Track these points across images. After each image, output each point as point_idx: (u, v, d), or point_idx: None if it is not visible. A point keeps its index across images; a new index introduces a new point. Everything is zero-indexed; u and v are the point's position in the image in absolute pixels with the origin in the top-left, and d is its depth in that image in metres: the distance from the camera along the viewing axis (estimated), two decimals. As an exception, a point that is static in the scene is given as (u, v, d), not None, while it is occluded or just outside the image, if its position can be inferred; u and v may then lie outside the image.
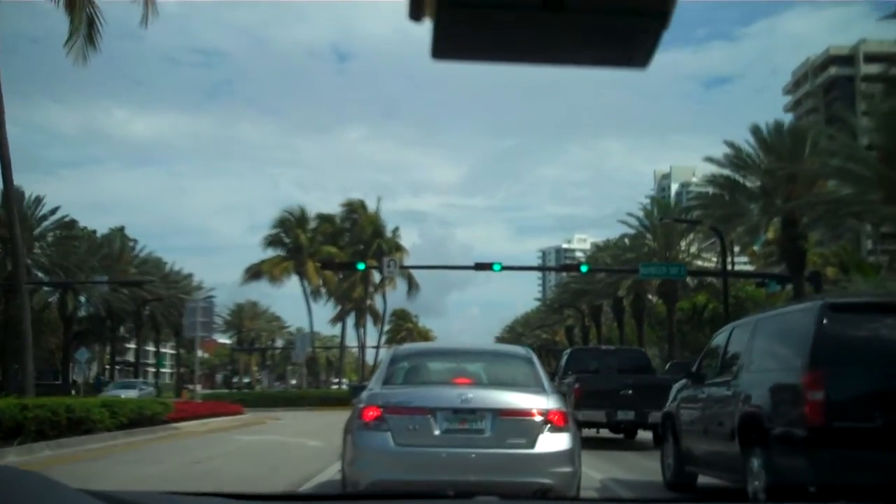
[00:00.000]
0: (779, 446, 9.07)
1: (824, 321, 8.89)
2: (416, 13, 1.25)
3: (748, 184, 40.77)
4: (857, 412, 8.68)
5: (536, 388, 9.18)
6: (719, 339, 12.13)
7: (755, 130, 40.34)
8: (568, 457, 8.52)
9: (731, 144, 40.45)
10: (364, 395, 9.21)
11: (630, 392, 19.30)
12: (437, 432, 8.51)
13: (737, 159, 40.15)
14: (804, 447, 8.63)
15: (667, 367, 19.32)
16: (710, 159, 41.17)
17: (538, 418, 8.58)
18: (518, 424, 8.59)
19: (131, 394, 38.74)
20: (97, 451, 16.78)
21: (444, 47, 1.27)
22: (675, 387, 13.14)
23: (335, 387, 75.01)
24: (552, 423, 8.58)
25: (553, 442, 8.52)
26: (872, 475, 8.33)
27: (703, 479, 11.92)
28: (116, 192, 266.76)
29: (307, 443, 19.53)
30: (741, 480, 9.76)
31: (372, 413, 8.63)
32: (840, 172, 33.29)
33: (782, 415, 9.18)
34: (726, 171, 41.03)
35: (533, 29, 1.26)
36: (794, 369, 9.03)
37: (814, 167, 36.13)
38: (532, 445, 8.48)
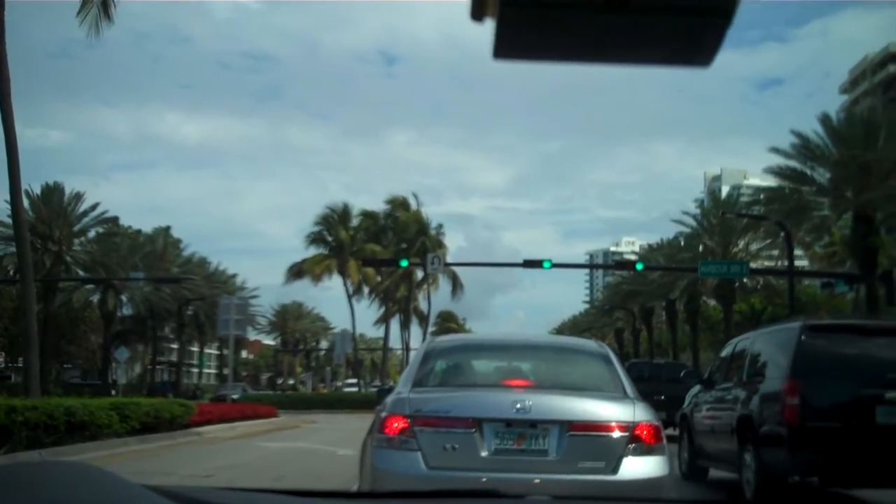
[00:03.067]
0: (765, 442, 10.67)
1: (802, 338, 10.59)
2: (477, 13, 1.25)
3: (817, 176, 38.14)
4: (828, 415, 10.22)
5: (616, 393, 6.90)
6: (727, 350, 13.93)
7: (824, 119, 37.76)
8: (661, 487, 6.26)
9: (798, 134, 37.82)
10: (388, 400, 6.87)
11: (662, 398, 21.03)
12: (484, 452, 6.25)
13: (805, 149, 37.50)
14: (783, 443, 10.24)
15: (682, 374, 21.80)
16: (775, 150, 38.54)
17: (621, 434, 6.31)
18: (594, 442, 6.33)
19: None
20: (98, 460, 14.63)
21: (505, 47, 1.26)
22: (691, 392, 14.65)
23: (352, 389, 71.86)
24: (640, 440, 6.31)
25: (642, 466, 6.27)
26: (839, 466, 10.12)
27: (713, 473, 13.23)
28: (169, 195, 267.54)
29: (337, 452, 17.48)
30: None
31: (397, 425, 6.35)
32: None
33: (768, 416, 10.75)
34: (793, 163, 38.39)
35: (595, 28, 1.26)
36: (778, 378, 10.74)
37: (891, 156, 33.43)
38: (614, 470, 6.23)
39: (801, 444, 10.05)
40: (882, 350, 10.70)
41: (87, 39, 23.55)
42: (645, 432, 6.34)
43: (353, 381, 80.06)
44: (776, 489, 10.55)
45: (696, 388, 14.33)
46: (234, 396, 36.74)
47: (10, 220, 26.26)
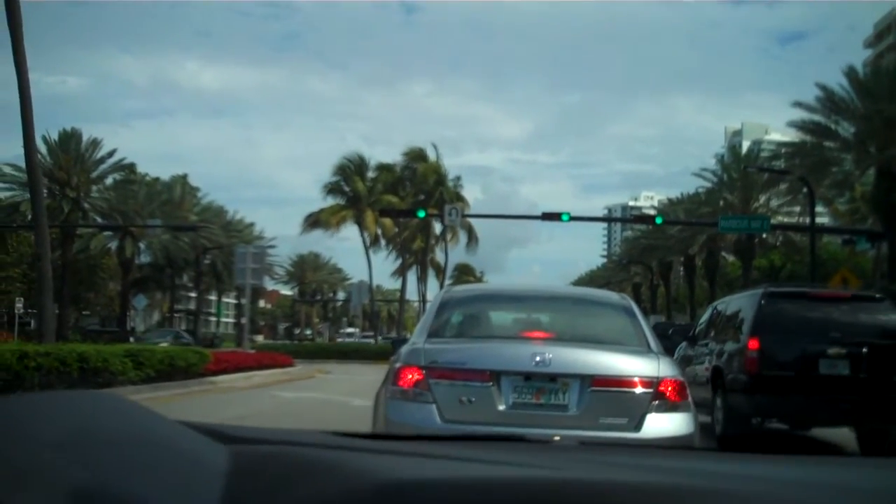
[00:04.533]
0: (731, 389, 12.76)
1: (762, 302, 12.72)
2: None
3: (840, 131, 37.57)
4: (781, 366, 12.30)
5: (640, 347, 6.62)
6: (708, 312, 16.24)
7: (850, 72, 37.09)
8: (687, 445, 5.92)
9: (822, 87, 37.19)
10: (402, 350, 6.63)
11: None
12: (501, 406, 6.00)
13: (829, 103, 36.88)
14: (745, 388, 12.39)
15: (670, 332, 22.81)
16: (799, 104, 37.94)
17: (645, 390, 6.02)
18: (616, 397, 6.06)
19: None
20: (110, 407, 14.61)
21: None
22: (679, 347, 16.28)
23: (349, 339, 72.21)
24: (664, 396, 6.03)
25: (666, 423, 6.00)
26: (789, 408, 12.33)
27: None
28: (187, 143, 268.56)
29: (351, 402, 17.35)
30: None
31: (411, 376, 6.11)
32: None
33: (733, 367, 12.86)
34: (817, 117, 37.79)
35: None
36: (742, 335, 12.83)
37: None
38: (637, 427, 5.96)
39: (758, 389, 12.22)
40: (826, 313, 12.79)
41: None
42: (669, 388, 6.08)
43: (351, 330, 78.83)
44: (740, 429, 12.53)
45: (683, 343, 16.35)
46: (164, 344, 35.95)
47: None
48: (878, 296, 13.93)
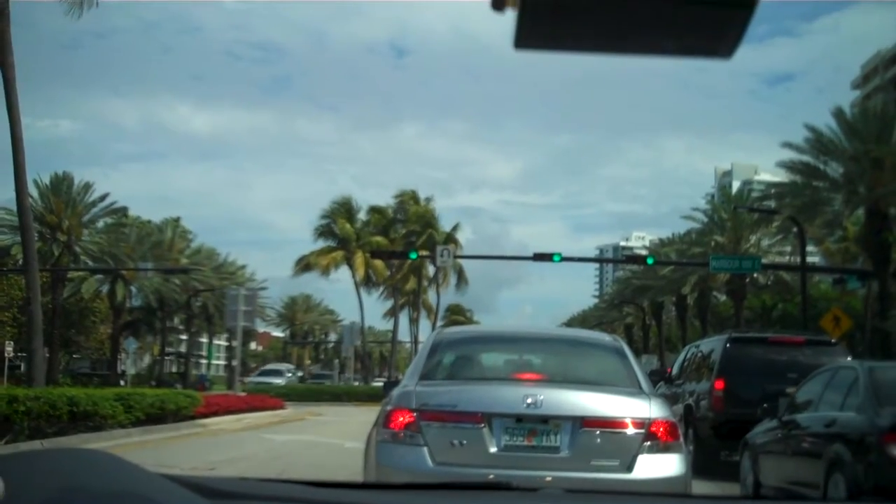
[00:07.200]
0: (699, 423, 14.45)
1: (727, 346, 14.52)
2: (498, 3, 1.24)
3: (829, 171, 37.76)
4: (743, 403, 13.61)
5: (631, 388, 6.62)
6: (681, 354, 18.17)
7: (838, 113, 37.35)
8: (679, 486, 5.94)
9: (811, 128, 37.43)
10: (394, 393, 6.65)
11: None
12: (493, 449, 6.00)
13: (818, 144, 37.10)
14: (711, 423, 14.12)
15: (648, 372, 21.48)
16: (788, 144, 38.18)
17: (636, 431, 6.03)
18: (608, 439, 6.07)
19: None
20: (100, 452, 14.49)
21: (526, 37, 1.26)
22: (658, 386, 16.86)
23: (270, 380, 62.80)
24: (656, 437, 6.03)
25: (658, 465, 5.99)
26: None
27: None
28: (179, 186, 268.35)
29: (344, 444, 17.23)
30: None
31: (402, 419, 6.12)
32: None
33: (702, 405, 14.51)
34: (806, 158, 38.00)
35: (617, 18, 1.26)
36: (709, 376, 14.53)
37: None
38: (628, 469, 5.96)
39: (724, 426, 13.75)
40: (784, 356, 14.41)
41: (99, 32, 23.63)
42: (661, 429, 6.08)
43: (279, 367, 69.73)
44: (710, 462, 13.43)
45: (661, 383, 17.45)
46: None
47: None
48: (832, 341, 15.71)
